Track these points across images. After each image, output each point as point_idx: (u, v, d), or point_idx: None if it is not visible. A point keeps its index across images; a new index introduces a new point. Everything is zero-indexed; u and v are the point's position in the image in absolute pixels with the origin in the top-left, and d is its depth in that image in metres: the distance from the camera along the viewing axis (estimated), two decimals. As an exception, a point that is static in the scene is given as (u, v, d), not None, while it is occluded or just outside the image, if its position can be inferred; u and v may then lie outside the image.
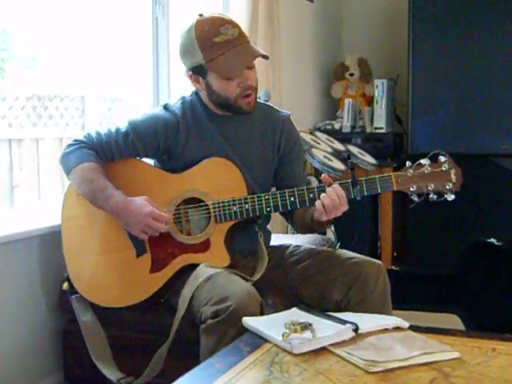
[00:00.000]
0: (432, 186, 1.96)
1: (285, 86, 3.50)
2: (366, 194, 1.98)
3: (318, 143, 3.47)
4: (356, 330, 1.61)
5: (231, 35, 2.01)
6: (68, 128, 2.72)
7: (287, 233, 3.29)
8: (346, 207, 1.96)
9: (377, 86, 4.11)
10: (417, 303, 3.34)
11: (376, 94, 4.12)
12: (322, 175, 2.00)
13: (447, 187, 1.96)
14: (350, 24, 4.76)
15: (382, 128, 4.11)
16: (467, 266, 3.49)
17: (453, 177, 1.96)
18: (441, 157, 1.96)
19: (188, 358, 1.89)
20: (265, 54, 2.06)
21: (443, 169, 1.96)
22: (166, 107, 2.16)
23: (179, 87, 3.02)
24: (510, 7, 3.83)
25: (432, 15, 3.95)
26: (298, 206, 2.03)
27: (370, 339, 1.60)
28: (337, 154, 3.54)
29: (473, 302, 3.33)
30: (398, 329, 1.69)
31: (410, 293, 3.43)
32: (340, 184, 1.97)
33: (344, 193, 1.94)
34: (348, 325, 1.62)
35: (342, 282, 2.05)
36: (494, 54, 3.87)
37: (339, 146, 3.69)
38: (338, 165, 3.34)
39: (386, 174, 2.00)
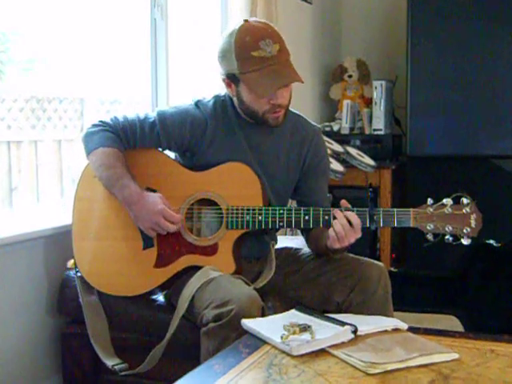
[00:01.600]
0: (450, 227, 1.91)
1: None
2: (381, 225, 1.96)
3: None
4: (355, 331, 1.61)
5: (269, 52, 1.95)
6: (67, 130, 2.71)
7: (286, 235, 3.29)
8: (359, 235, 1.93)
9: (375, 88, 4.12)
10: (416, 305, 3.34)
11: (375, 96, 4.12)
12: (342, 201, 1.97)
13: (465, 231, 1.91)
14: (349, 26, 4.77)
15: (380, 129, 4.11)
16: (466, 268, 3.49)
17: (472, 222, 1.91)
18: (463, 199, 1.91)
19: (188, 360, 1.89)
20: (300, 79, 1.99)
21: (464, 212, 1.91)
22: (197, 104, 2.13)
23: (178, 89, 3.02)
24: (509, 9, 3.84)
25: (430, 17, 3.95)
26: (311, 226, 2.00)
27: (369, 341, 1.60)
28: (335, 155, 3.55)
29: (472, 303, 3.34)
30: (396, 330, 1.69)
31: (408, 294, 3.43)
32: (357, 212, 1.94)
33: (359, 220, 1.92)
34: (347, 326, 1.62)
35: (343, 284, 2.05)
36: (493, 55, 3.88)
37: (338, 148, 3.69)
38: (337, 166, 3.35)
39: (405, 209, 1.94)
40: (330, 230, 1.93)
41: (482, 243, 3.46)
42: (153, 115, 2.09)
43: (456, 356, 1.53)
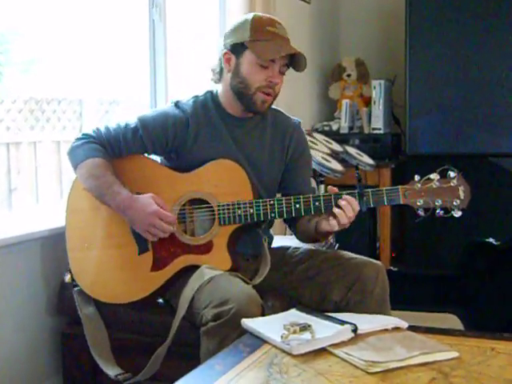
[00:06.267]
0: (439, 201, 1.94)
1: (282, 86, 3.49)
2: (372, 205, 1.98)
3: (316, 144, 3.47)
4: (355, 330, 1.61)
5: (281, 32, 2.07)
6: (66, 131, 2.72)
7: (285, 234, 3.29)
8: (353, 219, 1.97)
9: (374, 87, 4.12)
10: (415, 303, 3.34)
11: (373, 95, 4.12)
12: (328, 187, 1.99)
13: (455, 203, 1.94)
14: (347, 25, 4.77)
15: (379, 129, 4.12)
16: (466, 266, 3.50)
17: (461, 193, 1.94)
18: (450, 172, 1.94)
19: (188, 359, 1.89)
20: (303, 54, 2.07)
21: (452, 185, 1.94)
22: (177, 104, 2.14)
23: (176, 89, 3.02)
24: (508, 8, 3.84)
25: (429, 16, 3.96)
26: (303, 214, 2.02)
27: (369, 340, 1.60)
28: (334, 154, 3.54)
29: (471, 301, 3.34)
30: (397, 329, 1.69)
31: (408, 293, 3.43)
32: (347, 194, 1.96)
33: (358, 207, 1.95)
34: (347, 325, 1.62)
35: (341, 283, 2.05)
36: (492, 54, 3.88)
37: (337, 147, 3.69)
38: (336, 166, 3.34)
39: (393, 187, 1.98)
40: (336, 211, 1.94)
41: (482, 241, 3.46)
42: (134, 121, 2.10)
43: (456, 354, 1.53)
